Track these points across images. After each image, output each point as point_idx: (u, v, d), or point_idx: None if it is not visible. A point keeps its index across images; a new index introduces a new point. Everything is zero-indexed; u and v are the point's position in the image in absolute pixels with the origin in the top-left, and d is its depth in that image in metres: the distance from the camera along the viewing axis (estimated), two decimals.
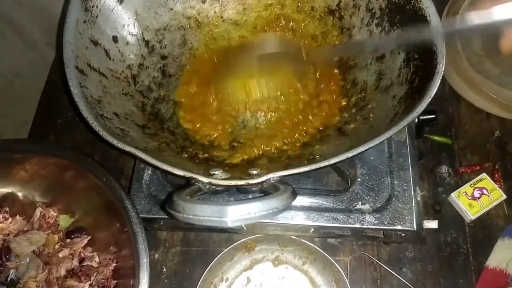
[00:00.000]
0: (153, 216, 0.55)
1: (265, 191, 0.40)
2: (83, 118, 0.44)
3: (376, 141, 0.40)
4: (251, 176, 0.40)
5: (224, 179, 0.40)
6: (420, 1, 0.47)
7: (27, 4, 0.76)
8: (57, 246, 0.59)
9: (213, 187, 0.40)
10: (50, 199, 0.61)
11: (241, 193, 0.50)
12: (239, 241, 0.59)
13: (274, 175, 0.39)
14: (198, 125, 0.57)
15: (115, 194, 0.53)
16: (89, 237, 0.59)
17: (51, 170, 0.58)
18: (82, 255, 0.58)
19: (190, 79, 0.60)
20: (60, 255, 0.57)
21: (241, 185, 0.39)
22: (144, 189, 0.57)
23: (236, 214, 0.32)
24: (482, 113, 0.69)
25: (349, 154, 0.40)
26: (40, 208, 0.60)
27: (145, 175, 0.58)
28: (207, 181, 0.39)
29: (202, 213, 0.33)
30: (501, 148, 0.67)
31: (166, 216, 0.55)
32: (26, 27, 0.78)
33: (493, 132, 0.68)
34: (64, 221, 0.61)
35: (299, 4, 0.62)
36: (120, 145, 0.42)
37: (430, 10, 0.47)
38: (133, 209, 0.52)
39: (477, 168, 0.65)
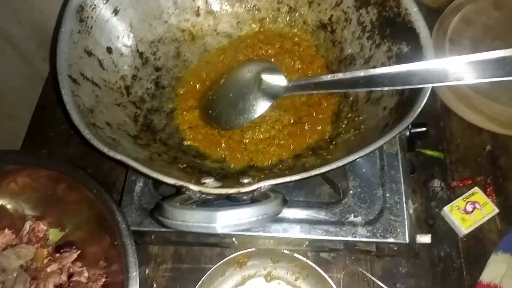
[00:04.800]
0: (144, 228, 0.55)
1: (256, 200, 0.40)
2: (76, 129, 0.44)
3: (367, 150, 0.41)
4: (242, 185, 0.40)
5: (215, 187, 0.40)
6: (410, 14, 0.48)
7: (24, 19, 0.77)
8: (45, 261, 0.57)
9: (204, 195, 0.39)
10: (41, 212, 0.60)
11: (232, 202, 0.50)
12: (231, 256, 0.58)
13: (265, 184, 0.39)
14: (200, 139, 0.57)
15: (106, 206, 0.52)
16: (79, 252, 0.58)
17: (42, 182, 0.57)
18: (71, 270, 0.57)
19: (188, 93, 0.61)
20: (49, 269, 0.56)
21: (232, 193, 0.38)
22: (135, 201, 0.56)
23: (225, 219, 0.32)
24: (473, 128, 0.70)
25: (340, 163, 0.40)
26: (30, 222, 0.59)
27: (137, 187, 0.57)
28: (198, 189, 0.39)
29: (191, 219, 0.32)
30: (492, 162, 0.67)
31: (157, 229, 0.55)
32: (22, 42, 0.79)
33: (484, 146, 0.69)
34: (54, 235, 0.60)
35: (291, 19, 0.63)
36: (111, 153, 0.41)
37: (419, 23, 0.48)
38: (124, 221, 0.51)
39: (469, 182, 0.65)
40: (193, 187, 0.39)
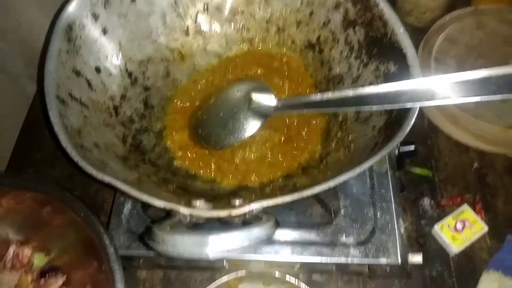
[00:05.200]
0: (132, 252, 0.54)
1: (247, 222, 0.39)
2: (64, 150, 0.43)
3: (358, 170, 0.40)
4: (234, 207, 0.39)
5: (206, 209, 0.39)
6: (397, 34, 0.49)
7: (10, 38, 0.76)
8: (30, 287, 0.55)
9: (194, 219, 0.39)
10: (25, 236, 0.58)
11: (223, 225, 0.49)
12: (222, 281, 0.57)
13: (256, 206, 0.38)
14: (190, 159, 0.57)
15: (94, 229, 0.51)
16: (65, 277, 0.56)
17: (27, 205, 0.55)
18: None
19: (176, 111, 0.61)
20: None
21: (223, 216, 0.38)
22: (124, 224, 0.55)
23: (217, 244, 0.31)
24: (460, 146, 0.70)
25: (331, 184, 0.40)
26: (14, 246, 0.57)
27: (125, 209, 0.56)
28: (188, 213, 0.38)
29: (182, 244, 0.31)
30: (480, 180, 0.68)
31: (145, 252, 0.53)
32: (8, 60, 0.78)
33: (472, 163, 0.69)
34: (39, 260, 0.58)
35: (280, 38, 0.64)
36: (100, 175, 0.40)
37: (406, 42, 0.48)
38: (112, 245, 0.49)
39: (458, 200, 0.66)
40: (184, 210, 0.38)
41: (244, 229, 0.33)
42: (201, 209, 0.39)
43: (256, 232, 0.33)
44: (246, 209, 0.38)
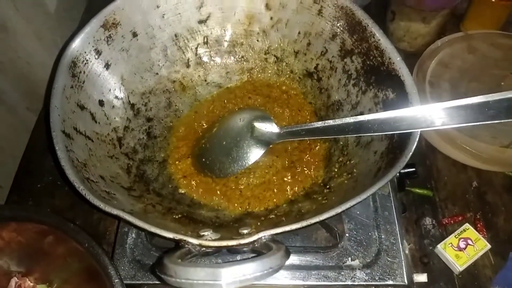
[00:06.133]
0: (138, 282, 0.53)
1: (257, 251, 0.39)
2: (68, 182, 0.43)
3: (364, 196, 0.41)
4: (242, 236, 0.39)
5: (215, 240, 0.39)
6: (394, 63, 0.50)
7: (8, 70, 0.77)
8: None
9: (204, 249, 0.39)
10: (27, 268, 0.58)
11: (232, 254, 0.49)
12: None
13: (265, 234, 0.39)
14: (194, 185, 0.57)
15: (98, 260, 0.50)
16: None
17: (29, 236, 0.55)
18: None
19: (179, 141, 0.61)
20: None
21: (232, 245, 0.38)
22: (128, 253, 0.55)
23: (230, 276, 0.31)
24: (458, 165, 0.72)
25: (339, 210, 0.40)
26: (16, 278, 0.57)
27: (129, 239, 0.56)
28: (197, 243, 0.38)
29: (195, 276, 0.32)
30: (480, 198, 0.69)
31: (151, 282, 0.53)
32: (5, 92, 0.79)
33: (471, 182, 0.70)
34: None
35: (278, 68, 0.66)
36: (108, 208, 0.41)
37: (403, 71, 0.50)
38: (117, 275, 0.49)
39: (460, 218, 0.66)
40: (193, 240, 0.38)
41: (256, 260, 0.33)
42: (209, 238, 0.39)
43: (269, 262, 0.34)
44: (255, 237, 0.38)
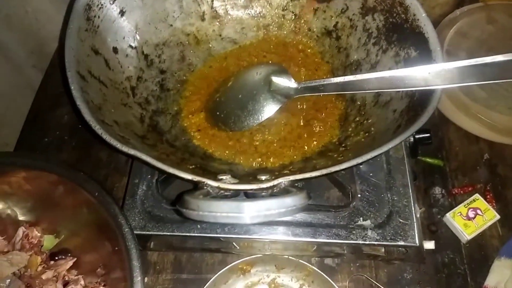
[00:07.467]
0: (148, 232, 0.53)
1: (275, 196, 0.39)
2: (84, 123, 0.42)
3: (385, 148, 0.41)
4: (261, 181, 0.39)
5: (234, 183, 0.39)
6: (418, 19, 0.49)
7: (16, 26, 0.75)
8: (40, 268, 0.55)
9: (221, 191, 0.38)
10: (35, 218, 0.57)
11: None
12: (234, 263, 0.56)
13: (286, 179, 0.38)
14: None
15: (108, 209, 0.50)
16: (75, 259, 0.55)
17: (38, 185, 0.54)
18: (67, 278, 0.54)
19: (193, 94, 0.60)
20: (43, 277, 0.53)
21: (252, 189, 0.38)
22: (138, 204, 0.55)
23: (254, 210, 0.31)
24: (470, 137, 0.71)
25: (359, 160, 0.40)
26: (23, 228, 0.56)
27: (140, 190, 0.56)
28: (216, 185, 0.38)
29: (219, 209, 0.31)
30: (491, 170, 0.69)
31: (161, 233, 0.53)
32: (11, 49, 0.77)
33: (482, 154, 0.70)
34: (48, 242, 0.57)
35: (296, 25, 0.64)
36: (125, 148, 0.40)
37: (428, 27, 0.49)
38: (127, 224, 0.49)
39: (470, 189, 0.66)
40: (212, 182, 0.38)
41: (279, 198, 0.33)
42: (228, 182, 0.39)
43: (292, 200, 0.33)
44: (275, 182, 0.37)
